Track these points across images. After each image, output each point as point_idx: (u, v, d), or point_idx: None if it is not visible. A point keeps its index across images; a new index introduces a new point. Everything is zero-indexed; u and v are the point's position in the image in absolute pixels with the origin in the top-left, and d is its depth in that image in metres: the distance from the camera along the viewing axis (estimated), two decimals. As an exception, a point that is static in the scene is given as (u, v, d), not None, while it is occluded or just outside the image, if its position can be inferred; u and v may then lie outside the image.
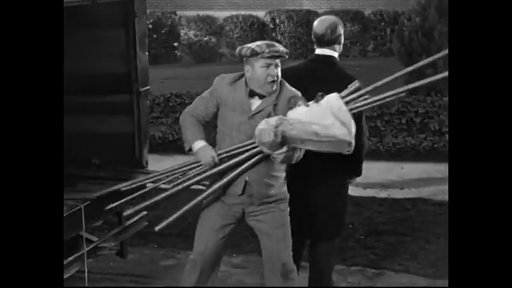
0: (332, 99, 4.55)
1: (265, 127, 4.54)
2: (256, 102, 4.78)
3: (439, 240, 6.92)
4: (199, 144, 4.85)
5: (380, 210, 7.94)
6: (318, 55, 5.29)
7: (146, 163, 6.42)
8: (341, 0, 21.76)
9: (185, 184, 4.99)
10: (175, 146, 10.85)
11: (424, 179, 9.26)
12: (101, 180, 5.95)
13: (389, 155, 10.24)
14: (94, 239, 5.78)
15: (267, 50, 4.68)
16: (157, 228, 4.87)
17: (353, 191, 8.60)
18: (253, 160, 4.73)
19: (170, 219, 4.90)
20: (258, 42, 4.80)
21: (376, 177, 9.18)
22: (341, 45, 5.36)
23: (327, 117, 4.48)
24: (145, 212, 6.56)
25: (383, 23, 20.41)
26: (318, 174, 5.11)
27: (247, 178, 4.80)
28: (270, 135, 4.51)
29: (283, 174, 4.92)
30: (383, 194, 8.62)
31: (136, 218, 6.34)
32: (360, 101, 4.62)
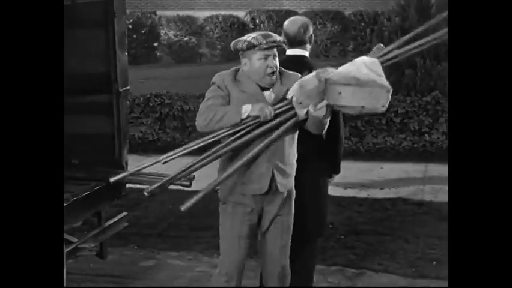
0: (365, 57, 4.51)
1: (307, 77, 4.47)
2: (267, 93, 4.66)
3: (418, 240, 6.95)
4: (249, 105, 4.55)
5: (360, 210, 7.96)
6: (290, 55, 5.25)
7: (126, 163, 6.40)
8: (320, 1, 21.81)
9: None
10: (155, 146, 10.83)
11: (404, 178, 9.29)
12: (81, 181, 5.93)
13: (368, 155, 10.27)
14: (74, 239, 5.76)
15: (264, 41, 4.56)
16: (183, 208, 4.50)
17: (333, 190, 8.60)
18: (285, 126, 4.57)
19: (197, 197, 4.51)
20: (253, 34, 4.65)
21: (356, 177, 9.20)
22: (311, 45, 5.34)
23: (362, 68, 4.41)
24: (124, 213, 6.55)
25: (362, 23, 20.47)
26: (302, 174, 5.10)
27: (275, 171, 4.68)
28: (314, 80, 4.42)
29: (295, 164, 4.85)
30: (363, 194, 8.64)
31: (115, 218, 6.33)
32: (394, 53, 4.52)
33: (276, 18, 20.97)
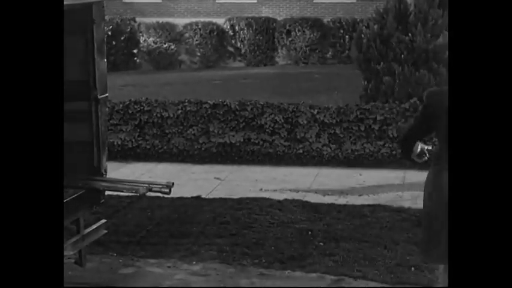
0: None
1: None
2: None
3: (397, 247, 6.97)
4: None
5: (338, 216, 7.96)
6: None
7: (105, 171, 6.38)
8: (299, 8, 21.86)
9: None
10: (135, 153, 10.80)
11: (382, 185, 9.32)
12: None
13: (347, 162, 10.28)
14: (52, 247, 5.73)
15: None
16: None
17: (311, 198, 8.64)
18: None
19: None
20: None
21: (335, 184, 9.22)
22: None
23: None
24: (103, 220, 6.53)
25: (341, 31, 20.53)
26: None
27: None
28: None
29: None
30: (341, 200, 8.65)
31: (94, 226, 6.30)
32: None
33: (255, 25, 21.01)
